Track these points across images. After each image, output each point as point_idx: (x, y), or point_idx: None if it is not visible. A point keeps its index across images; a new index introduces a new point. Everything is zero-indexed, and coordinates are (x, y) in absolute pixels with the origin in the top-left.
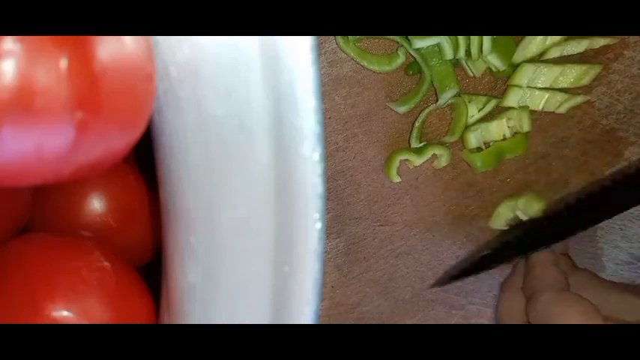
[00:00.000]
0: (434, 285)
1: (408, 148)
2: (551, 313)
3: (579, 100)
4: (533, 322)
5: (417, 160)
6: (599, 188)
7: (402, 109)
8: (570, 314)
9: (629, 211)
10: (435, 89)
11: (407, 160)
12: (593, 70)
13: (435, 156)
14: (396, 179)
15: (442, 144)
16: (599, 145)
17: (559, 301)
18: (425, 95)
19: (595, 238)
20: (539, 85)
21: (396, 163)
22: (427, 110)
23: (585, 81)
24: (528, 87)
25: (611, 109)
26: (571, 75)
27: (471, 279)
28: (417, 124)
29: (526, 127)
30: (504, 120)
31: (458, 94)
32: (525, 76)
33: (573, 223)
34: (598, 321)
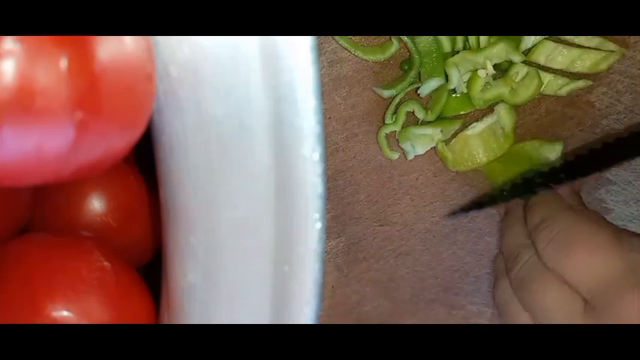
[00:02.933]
0: (448, 215)
1: (389, 123)
2: (572, 238)
3: (580, 84)
4: (546, 246)
5: (394, 127)
6: (601, 145)
7: (386, 93)
8: (599, 244)
9: (629, 210)
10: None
11: (392, 132)
12: (613, 57)
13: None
14: (394, 156)
15: (416, 100)
16: None
17: (584, 225)
18: (413, 83)
19: None
20: (556, 66)
21: (384, 141)
22: (407, 89)
23: (604, 66)
24: (529, 64)
25: (612, 110)
26: (589, 59)
27: (471, 279)
28: (394, 102)
29: (509, 125)
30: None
31: (443, 84)
32: (544, 52)
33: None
34: (630, 258)
